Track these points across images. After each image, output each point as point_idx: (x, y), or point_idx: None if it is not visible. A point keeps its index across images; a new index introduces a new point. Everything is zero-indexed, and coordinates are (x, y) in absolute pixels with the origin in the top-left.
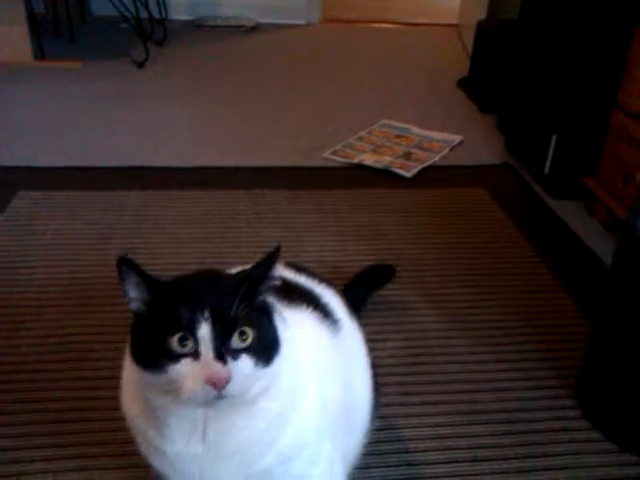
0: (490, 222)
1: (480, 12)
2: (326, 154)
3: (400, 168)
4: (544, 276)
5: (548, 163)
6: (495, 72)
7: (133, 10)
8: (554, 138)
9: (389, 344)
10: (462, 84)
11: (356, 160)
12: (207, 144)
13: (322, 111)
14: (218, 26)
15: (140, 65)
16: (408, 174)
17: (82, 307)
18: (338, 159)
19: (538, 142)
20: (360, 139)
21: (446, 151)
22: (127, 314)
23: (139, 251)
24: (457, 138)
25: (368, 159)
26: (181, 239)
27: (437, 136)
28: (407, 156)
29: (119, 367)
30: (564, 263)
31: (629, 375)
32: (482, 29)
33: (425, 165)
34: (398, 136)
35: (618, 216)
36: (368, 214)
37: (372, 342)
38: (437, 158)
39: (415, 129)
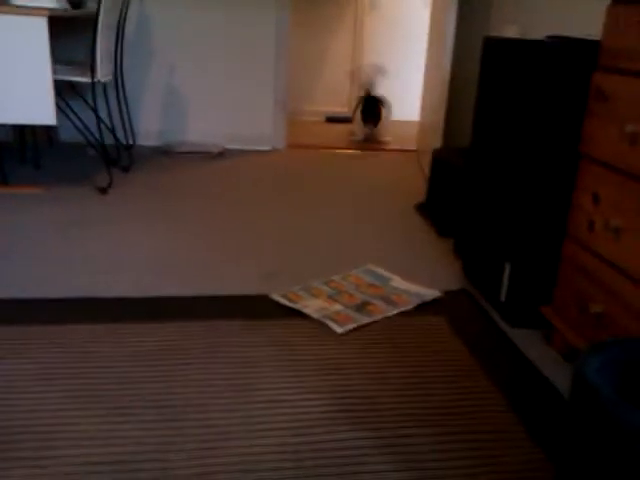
0: (448, 353)
1: (436, 140)
2: (275, 296)
3: (335, 321)
4: (503, 413)
5: (504, 291)
6: (450, 198)
7: (99, 136)
8: (508, 266)
9: None
10: (420, 208)
11: (298, 306)
12: (166, 273)
13: (285, 237)
14: (185, 152)
15: (103, 191)
16: (340, 329)
17: (8, 462)
18: (283, 301)
19: (493, 269)
20: (326, 283)
21: (411, 306)
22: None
23: (79, 393)
24: (433, 293)
25: (311, 306)
26: (125, 379)
27: (412, 289)
28: (361, 307)
29: None
30: (523, 397)
31: None
32: (437, 157)
33: (371, 320)
34: (371, 285)
35: (575, 346)
36: (325, 346)
37: None
38: (394, 312)
39: (396, 280)
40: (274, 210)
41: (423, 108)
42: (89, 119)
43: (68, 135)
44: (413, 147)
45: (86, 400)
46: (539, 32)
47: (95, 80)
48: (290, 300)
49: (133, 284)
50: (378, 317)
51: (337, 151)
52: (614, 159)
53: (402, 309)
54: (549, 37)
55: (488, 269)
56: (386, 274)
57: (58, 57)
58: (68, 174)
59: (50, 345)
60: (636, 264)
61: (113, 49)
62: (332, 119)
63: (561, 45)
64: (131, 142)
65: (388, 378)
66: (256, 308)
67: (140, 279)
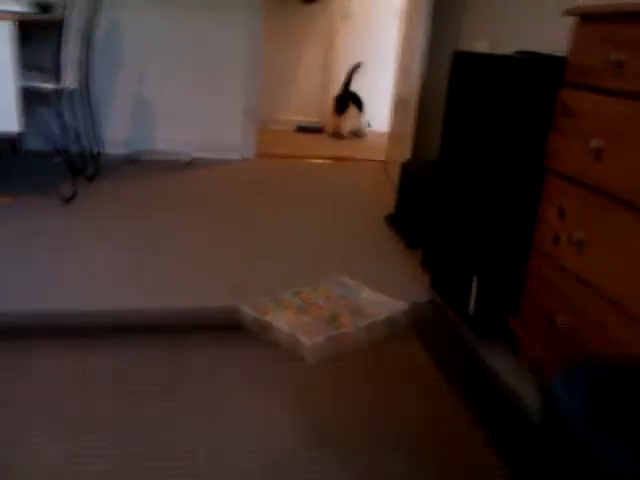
0: (414, 365)
1: (405, 152)
2: (245, 308)
3: (305, 333)
4: (471, 434)
5: (472, 303)
6: (419, 210)
7: (64, 144)
8: (475, 278)
9: None
10: (389, 220)
11: (268, 318)
12: (131, 286)
13: (254, 248)
14: (153, 161)
15: (67, 201)
16: (309, 342)
17: None
18: (253, 313)
19: (461, 281)
20: (296, 294)
21: (380, 318)
22: None
23: (38, 413)
24: (402, 305)
25: (281, 318)
26: (86, 396)
27: (381, 301)
28: (331, 320)
29: None
30: (489, 413)
31: None
32: (406, 169)
33: (341, 332)
34: (340, 296)
35: (541, 358)
36: (293, 361)
37: None
38: (363, 324)
39: (366, 291)
40: (242, 220)
41: (393, 119)
42: (55, 127)
43: (33, 143)
44: (383, 158)
45: (46, 420)
46: (508, 47)
47: (61, 87)
48: (260, 312)
49: (97, 297)
50: (347, 329)
51: (307, 160)
52: (579, 174)
53: (371, 320)
54: (518, 52)
55: (456, 281)
56: (355, 285)
57: (26, 63)
58: (32, 183)
59: (9, 361)
60: (600, 277)
61: (81, 56)
62: (303, 129)
63: (529, 61)
64: (98, 150)
65: (358, 400)
66: (225, 321)
67: (104, 292)
